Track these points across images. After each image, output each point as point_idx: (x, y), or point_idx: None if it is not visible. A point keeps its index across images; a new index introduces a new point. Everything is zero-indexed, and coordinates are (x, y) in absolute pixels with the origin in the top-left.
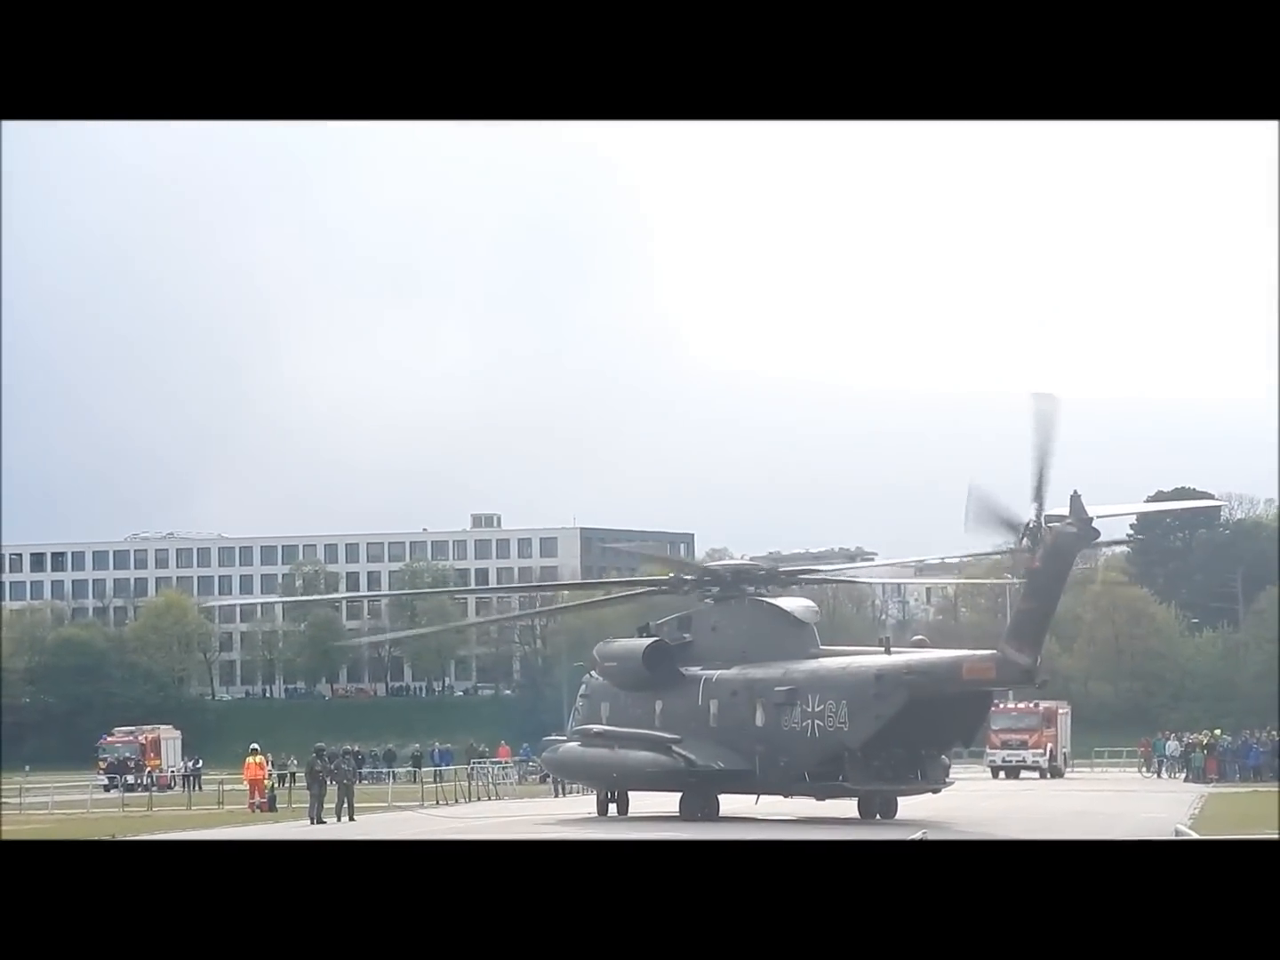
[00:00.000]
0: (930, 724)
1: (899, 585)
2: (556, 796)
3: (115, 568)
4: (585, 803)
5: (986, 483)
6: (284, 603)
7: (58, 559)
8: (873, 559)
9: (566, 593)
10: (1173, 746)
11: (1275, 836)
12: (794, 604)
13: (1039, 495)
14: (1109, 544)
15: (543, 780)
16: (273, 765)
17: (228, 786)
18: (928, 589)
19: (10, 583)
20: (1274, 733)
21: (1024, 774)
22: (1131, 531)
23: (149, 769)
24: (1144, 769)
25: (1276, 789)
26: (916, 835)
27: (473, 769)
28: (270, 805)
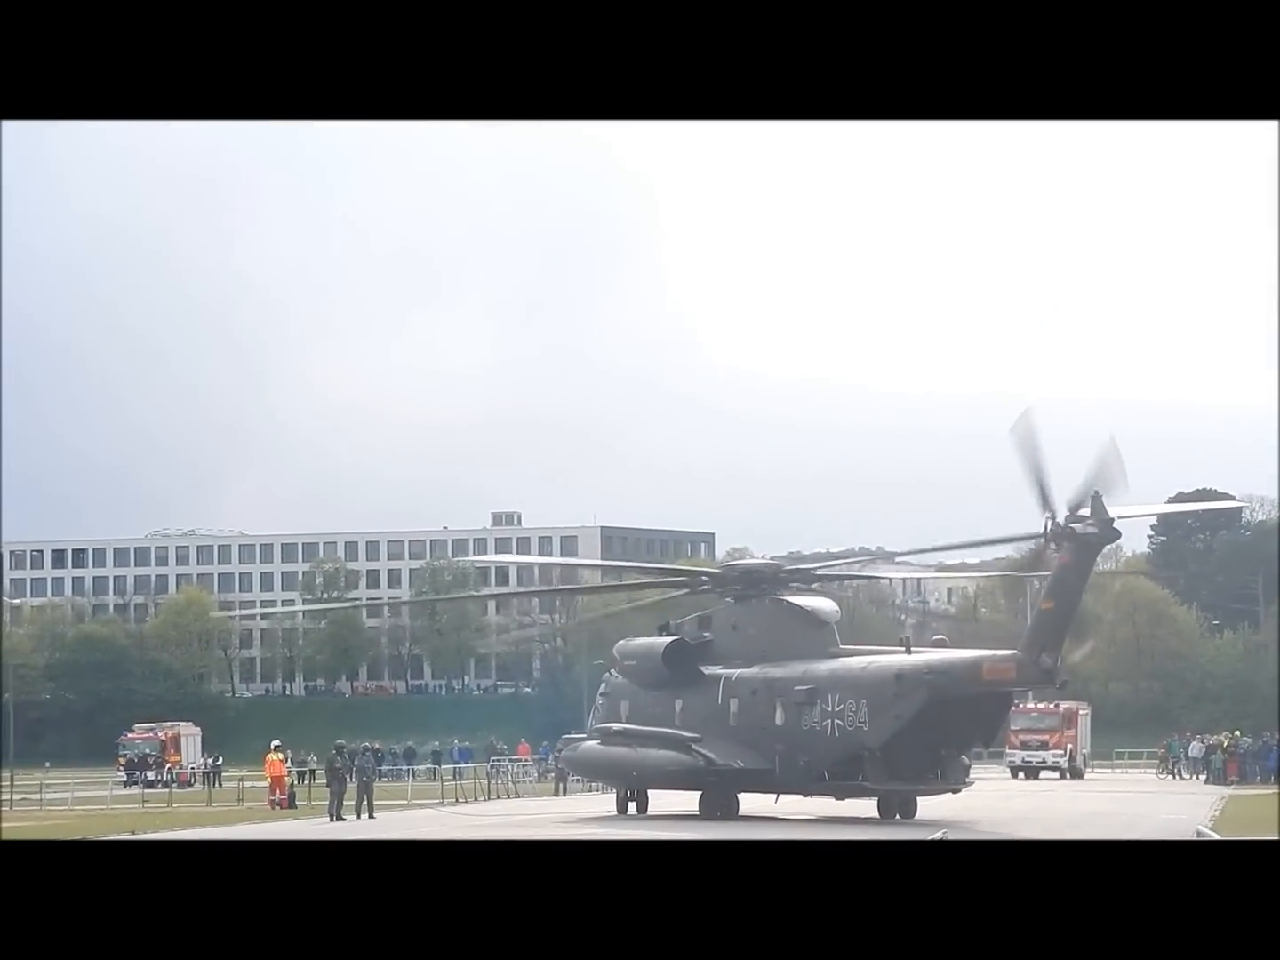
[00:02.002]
0: (950, 724)
1: (919, 585)
2: (558, 795)
3: (136, 564)
4: (601, 801)
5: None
6: (304, 609)
7: (78, 555)
8: (892, 559)
9: (586, 596)
10: (1195, 748)
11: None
12: (814, 603)
13: (1048, 506)
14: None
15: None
16: (292, 762)
17: (247, 783)
18: (949, 589)
19: (31, 579)
20: None
21: (1044, 775)
22: (1153, 533)
23: (169, 765)
24: (1159, 770)
25: None
26: (936, 835)
27: (492, 767)
28: (290, 802)
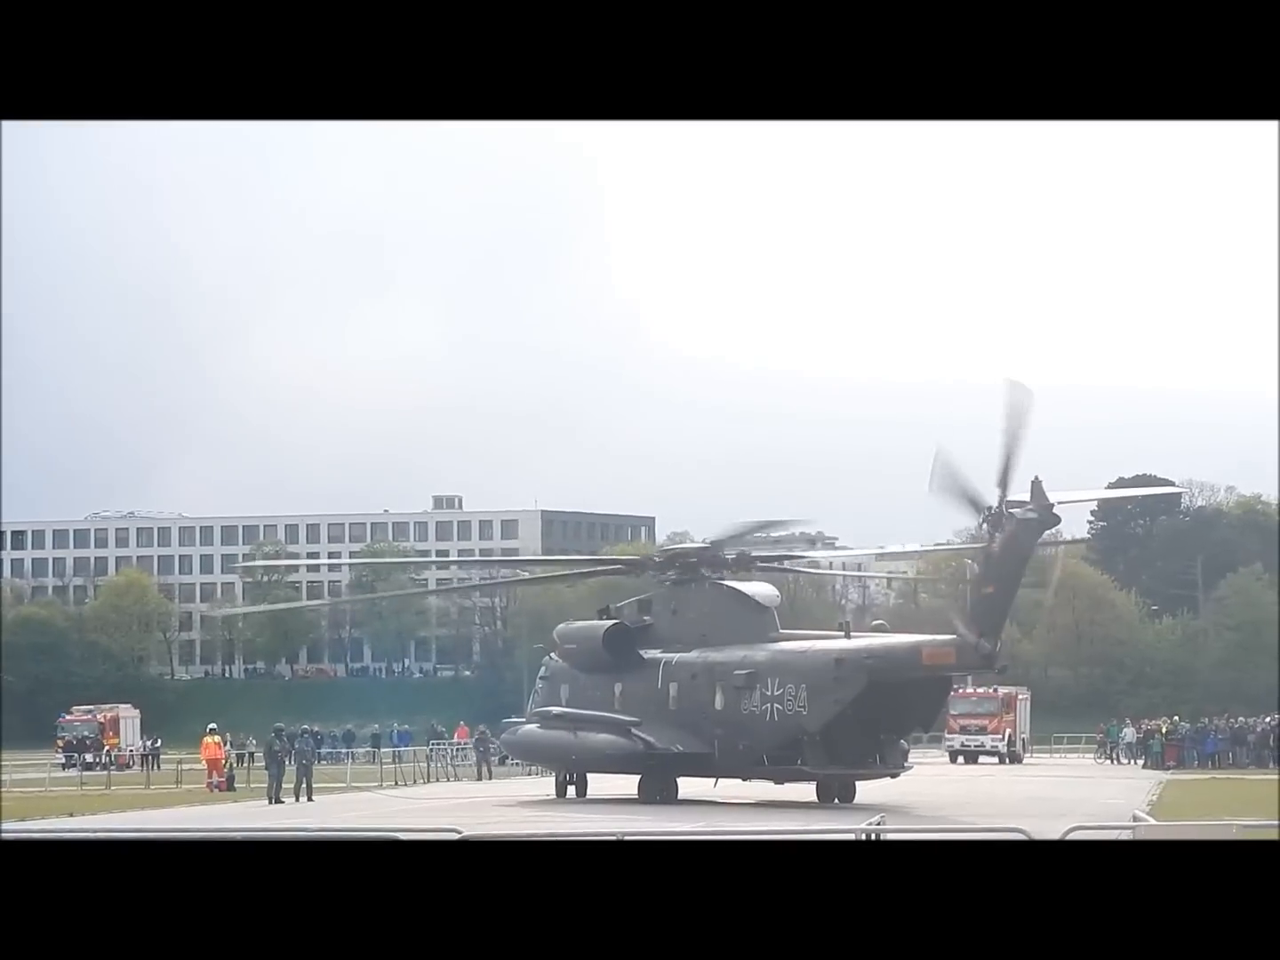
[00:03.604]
0: (889, 708)
1: (859, 570)
2: (480, 779)
3: (75, 546)
4: (539, 784)
5: (953, 453)
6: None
7: (18, 537)
8: (833, 544)
9: (527, 574)
10: (1129, 734)
11: (1230, 823)
12: (754, 588)
13: (1004, 482)
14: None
15: (501, 761)
16: (231, 745)
17: (186, 766)
18: (888, 574)
19: None
20: (1231, 720)
21: (983, 759)
22: (1093, 518)
23: (108, 748)
24: (1098, 755)
25: (1237, 776)
26: (874, 820)
27: (432, 750)
28: (229, 785)
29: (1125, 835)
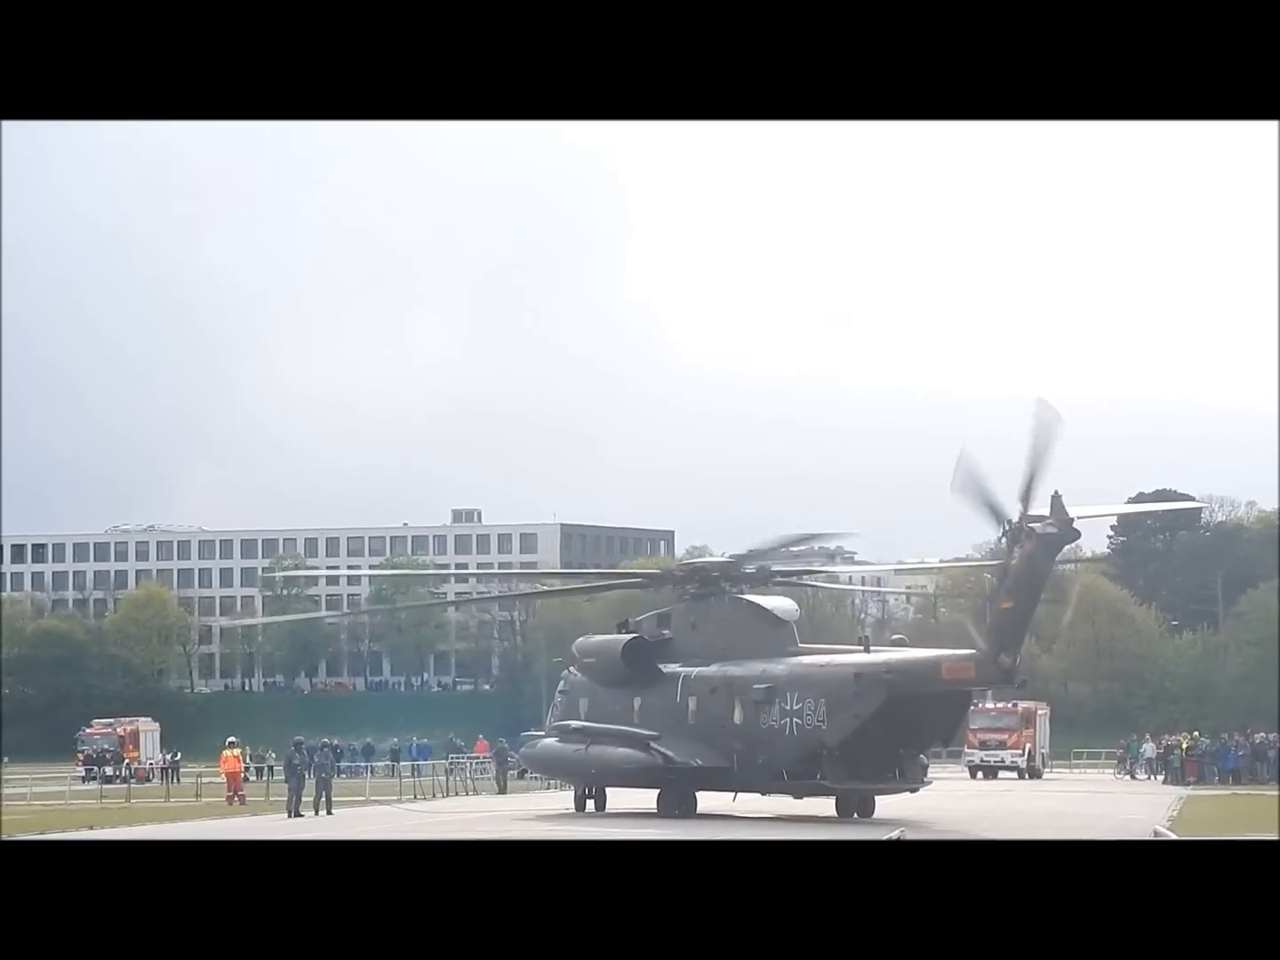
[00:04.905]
0: (909, 723)
1: (879, 584)
2: (501, 792)
3: (95, 560)
4: (561, 799)
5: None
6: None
7: (38, 550)
8: (852, 558)
9: (546, 587)
10: (1149, 749)
11: (1253, 838)
12: (773, 602)
13: (1025, 497)
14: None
15: (521, 775)
16: (250, 759)
17: (206, 779)
18: (908, 588)
19: None
20: (1252, 735)
21: (1002, 774)
22: (1113, 533)
23: (127, 761)
24: (1117, 771)
25: (1258, 792)
26: (894, 834)
27: (451, 764)
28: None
29: None
